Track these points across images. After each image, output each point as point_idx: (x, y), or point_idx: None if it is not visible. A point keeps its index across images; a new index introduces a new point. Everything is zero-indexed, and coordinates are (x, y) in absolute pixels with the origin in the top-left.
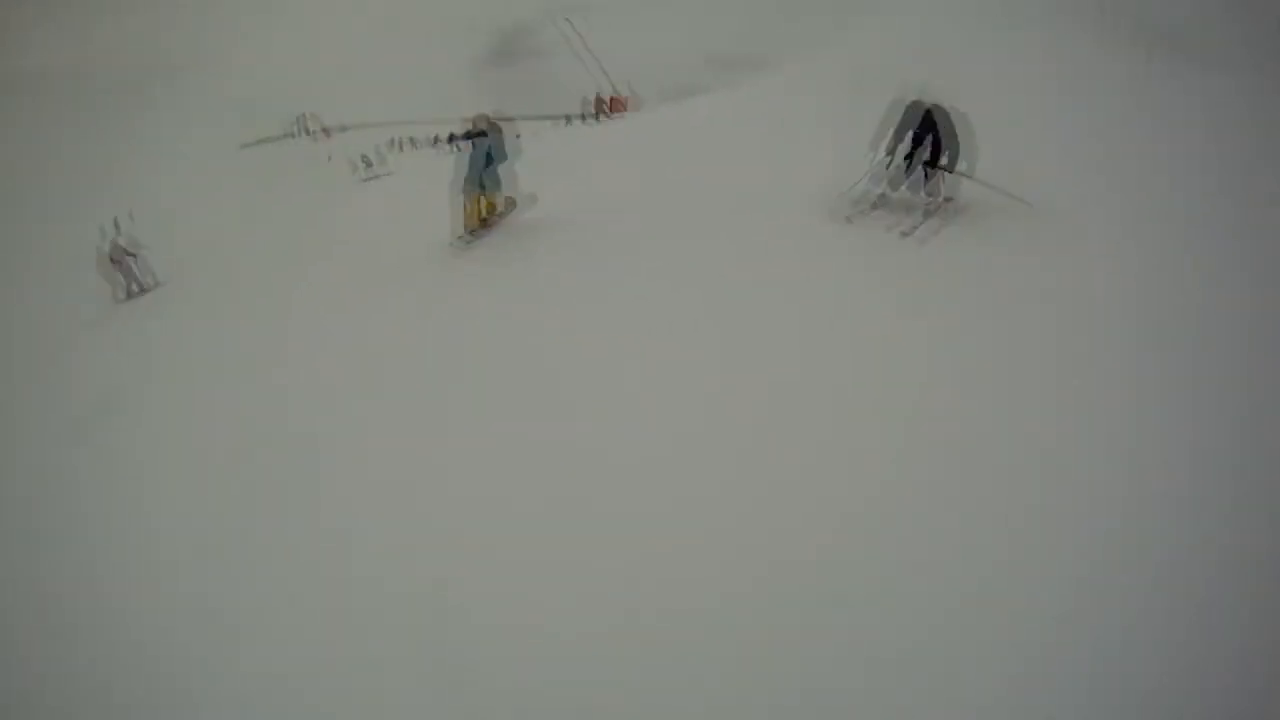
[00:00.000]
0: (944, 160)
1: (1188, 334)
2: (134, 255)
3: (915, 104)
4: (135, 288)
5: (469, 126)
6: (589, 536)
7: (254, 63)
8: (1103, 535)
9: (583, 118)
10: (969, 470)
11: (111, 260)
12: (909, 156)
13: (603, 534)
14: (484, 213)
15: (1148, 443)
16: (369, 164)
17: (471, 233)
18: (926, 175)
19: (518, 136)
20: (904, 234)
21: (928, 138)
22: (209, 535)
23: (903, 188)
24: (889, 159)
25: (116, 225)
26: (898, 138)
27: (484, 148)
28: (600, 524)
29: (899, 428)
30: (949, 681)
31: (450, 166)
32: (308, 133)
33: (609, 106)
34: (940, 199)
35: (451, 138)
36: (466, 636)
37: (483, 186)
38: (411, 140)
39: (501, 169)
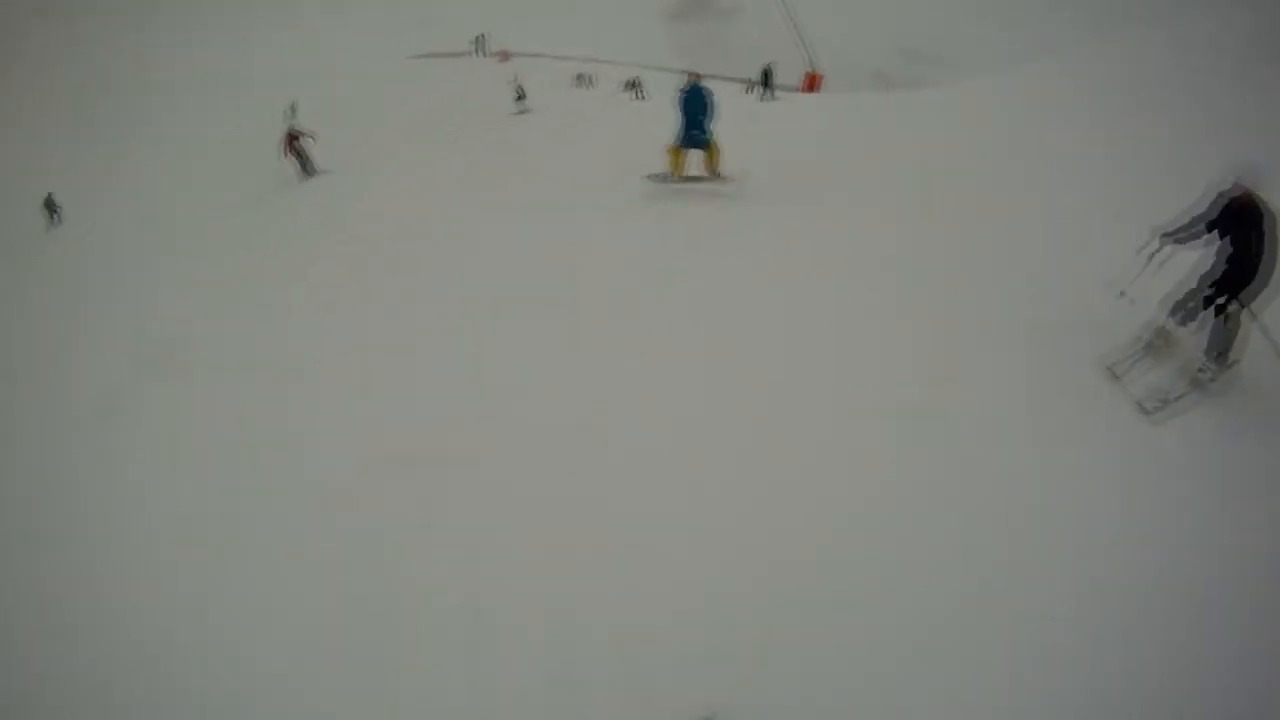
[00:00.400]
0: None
1: None
2: (312, 137)
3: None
4: (311, 169)
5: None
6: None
7: None
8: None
9: (755, 86)
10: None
11: (290, 139)
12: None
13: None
14: (685, 169)
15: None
16: (521, 96)
17: (670, 178)
18: (1217, 312)
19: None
20: (1146, 409)
21: (1224, 243)
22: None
23: (1189, 324)
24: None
25: (293, 109)
26: (1186, 233)
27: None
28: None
29: None
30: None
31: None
32: (484, 54)
33: (808, 83)
34: (1223, 365)
35: (633, 84)
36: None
37: (694, 143)
38: (589, 78)
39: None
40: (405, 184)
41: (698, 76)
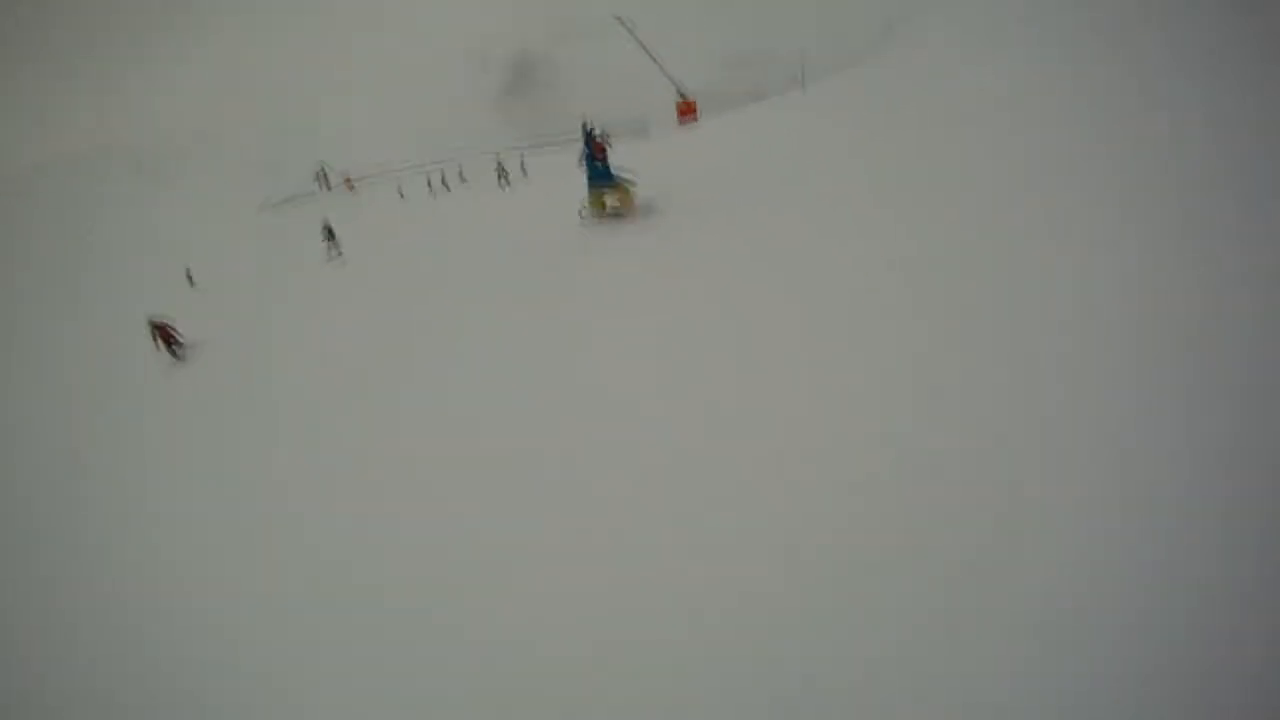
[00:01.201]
0: None
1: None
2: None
3: None
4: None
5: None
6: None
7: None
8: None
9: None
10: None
11: (159, 330)
12: None
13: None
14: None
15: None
16: (330, 235)
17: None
18: None
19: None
20: None
21: None
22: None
23: None
24: None
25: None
26: None
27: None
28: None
29: None
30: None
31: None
32: (328, 186)
33: (682, 111)
34: None
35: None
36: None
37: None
38: (456, 177)
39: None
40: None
41: (591, 130)
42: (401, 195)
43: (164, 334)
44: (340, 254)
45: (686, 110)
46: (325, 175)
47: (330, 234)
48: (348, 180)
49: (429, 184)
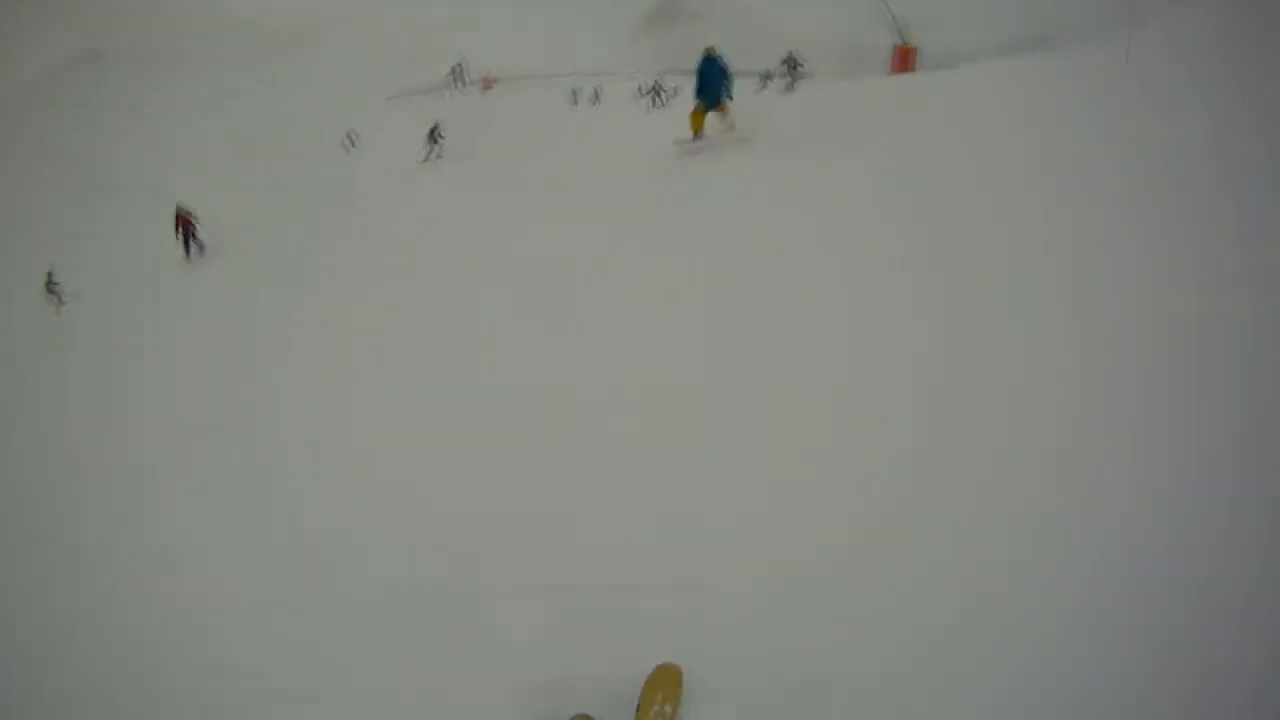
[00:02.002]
0: None
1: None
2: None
3: None
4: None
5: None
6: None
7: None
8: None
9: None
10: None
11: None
12: None
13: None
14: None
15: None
16: (434, 137)
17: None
18: None
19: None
20: None
21: None
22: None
23: None
24: None
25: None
26: None
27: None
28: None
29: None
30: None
31: None
32: (463, 84)
33: (900, 60)
34: None
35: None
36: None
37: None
38: (595, 91)
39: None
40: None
41: (712, 50)
42: (533, 104)
43: (185, 225)
44: (439, 157)
45: (904, 58)
46: (461, 72)
47: (435, 135)
48: (485, 80)
49: (574, 95)
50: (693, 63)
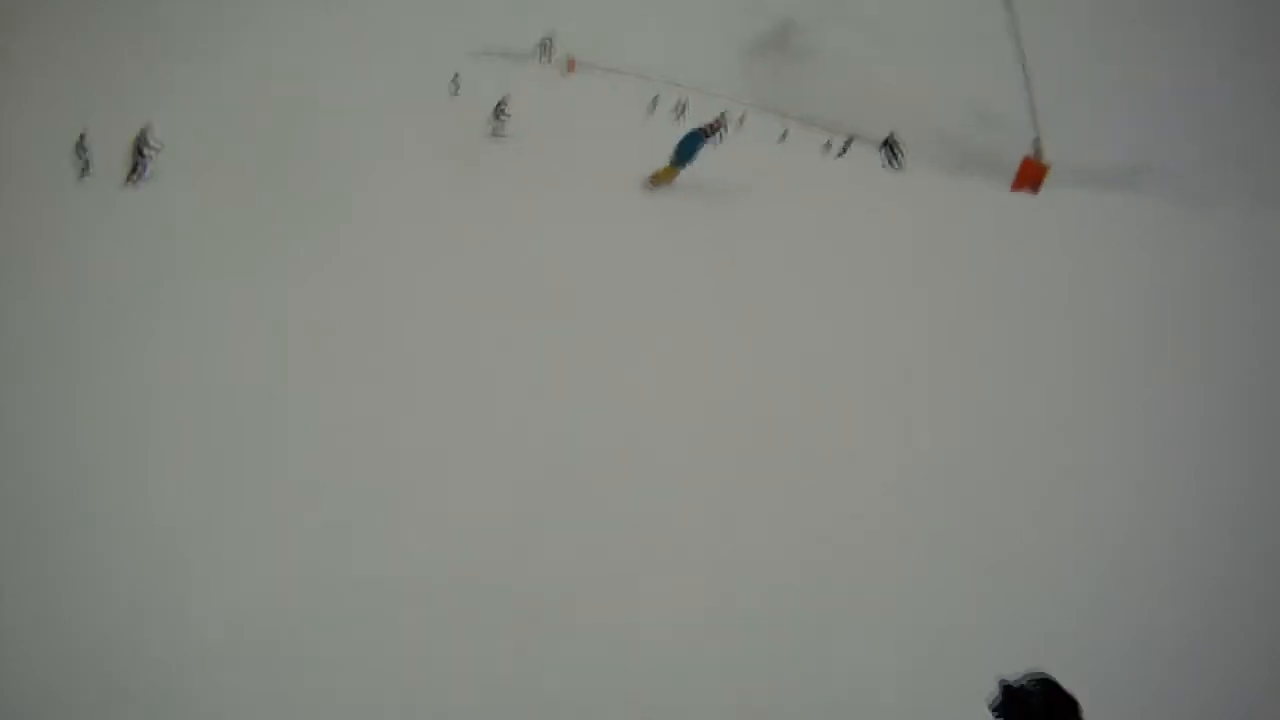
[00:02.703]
0: None
1: None
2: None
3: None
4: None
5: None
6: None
7: None
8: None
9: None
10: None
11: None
12: None
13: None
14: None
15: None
16: (500, 112)
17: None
18: None
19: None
20: None
21: None
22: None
23: None
24: None
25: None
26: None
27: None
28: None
29: None
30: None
31: None
32: (548, 59)
33: (1025, 177)
34: None
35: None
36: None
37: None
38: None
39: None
40: None
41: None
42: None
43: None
44: (504, 135)
45: (1030, 176)
46: (550, 46)
47: (500, 111)
48: (571, 61)
49: (654, 103)
50: (795, 108)
